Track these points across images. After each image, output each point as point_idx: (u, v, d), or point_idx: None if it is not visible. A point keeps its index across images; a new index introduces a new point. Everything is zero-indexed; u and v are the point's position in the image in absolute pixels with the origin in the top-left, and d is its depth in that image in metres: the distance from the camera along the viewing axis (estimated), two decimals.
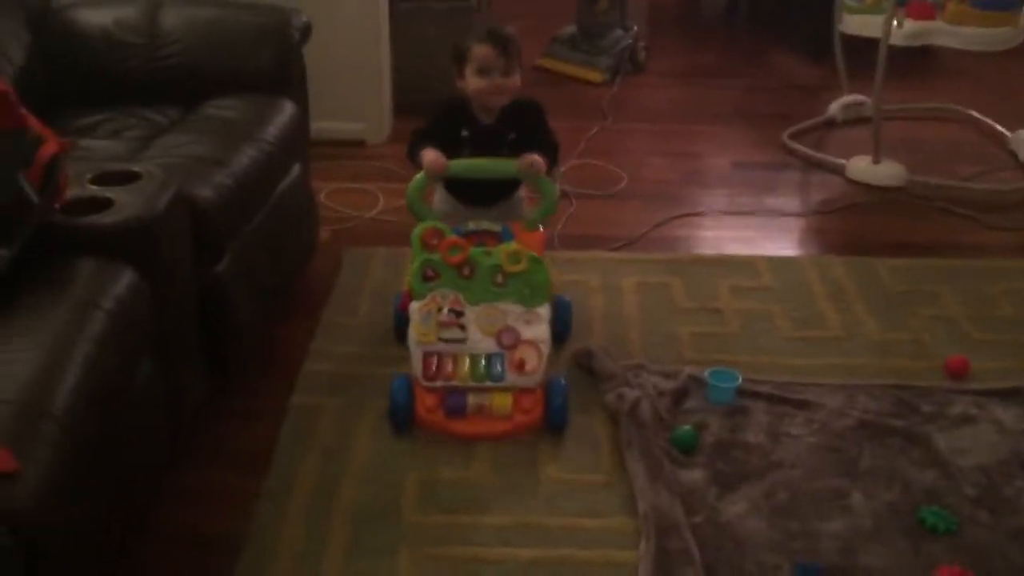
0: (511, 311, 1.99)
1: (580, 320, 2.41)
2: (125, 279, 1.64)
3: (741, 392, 2.14)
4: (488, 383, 1.95)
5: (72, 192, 1.74)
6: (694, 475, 1.90)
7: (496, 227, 2.07)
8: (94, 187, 1.80)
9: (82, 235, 1.67)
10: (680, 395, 2.13)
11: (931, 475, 1.92)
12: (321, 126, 3.45)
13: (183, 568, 1.72)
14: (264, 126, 2.33)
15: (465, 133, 2.10)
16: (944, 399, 2.14)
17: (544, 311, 2.00)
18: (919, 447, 1.99)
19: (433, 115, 2.15)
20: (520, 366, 1.95)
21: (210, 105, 2.38)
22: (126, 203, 1.74)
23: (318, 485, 1.88)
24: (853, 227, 3.05)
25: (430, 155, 2.01)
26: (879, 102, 3.23)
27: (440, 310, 1.97)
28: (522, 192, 2.27)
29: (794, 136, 3.68)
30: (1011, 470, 1.92)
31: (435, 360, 1.96)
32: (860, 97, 3.74)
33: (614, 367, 2.19)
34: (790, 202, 3.22)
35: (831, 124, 3.83)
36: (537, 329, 1.98)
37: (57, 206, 1.68)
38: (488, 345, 1.97)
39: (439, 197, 2.26)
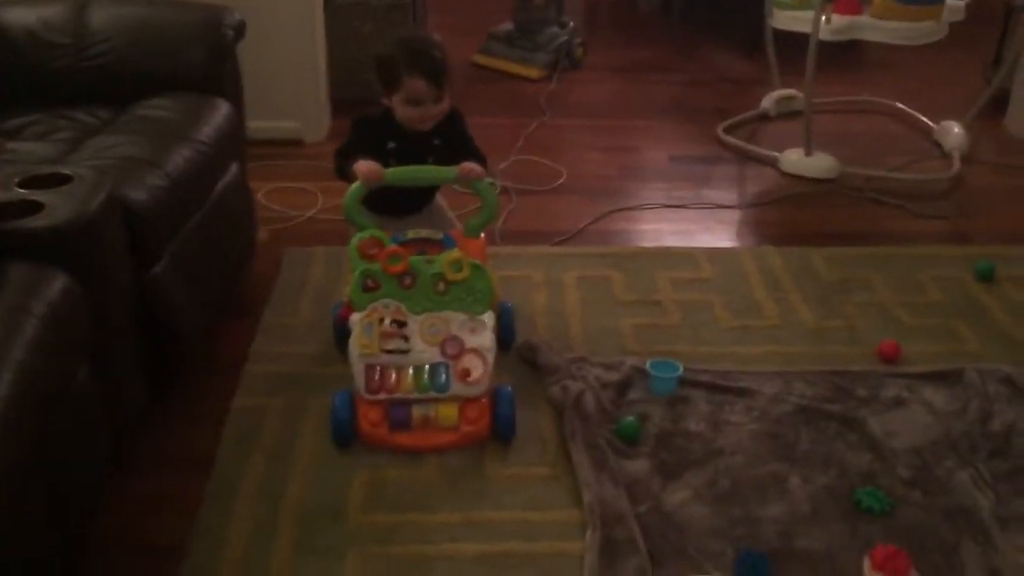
0: (455, 320, 1.96)
1: (523, 315, 2.42)
2: (58, 284, 1.60)
3: (683, 382, 2.17)
4: (433, 394, 1.91)
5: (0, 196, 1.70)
6: (638, 465, 1.93)
7: (437, 235, 2.05)
8: (22, 191, 1.76)
9: (12, 240, 1.62)
10: (623, 387, 2.16)
11: (866, 458, 1.97)
12: (258, 125, 3.42)
13: (122, 570, 1.69)
14: (199, 126, 2.30)
15: (392, 145, 2.10)
16: (877, 383, 2.20)
17: (488, 319, 1.97)
18: (854, 431, 2.04)
19: (355, 132, 2.14)
20: (465, 375, 1.92)
21: (142, 105, 2.35)
22: (57, 206, 1.70)
23: (262, 487, 1.87)
24: (788, 218, 3.11)
25: (365, 165, 2.00)
26: (810, 96, 3.30)
27: (382, 321, 1.94)
28: (441, 200, 2.29)
29: (729, 130, 3.74)
30: (942, 451, 1.98)
31: (378, 372, 1.92)
32: (792, 91, 3.82)
33: (558, 360, 2.21)
34: (726, 194, 3.27)
35: (765, 118, 3.91)
36: (481, 337, 1.95)
37: None
38: (432, 355, 1.93)
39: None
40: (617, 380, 2.17)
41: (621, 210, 3.11)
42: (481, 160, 2.09)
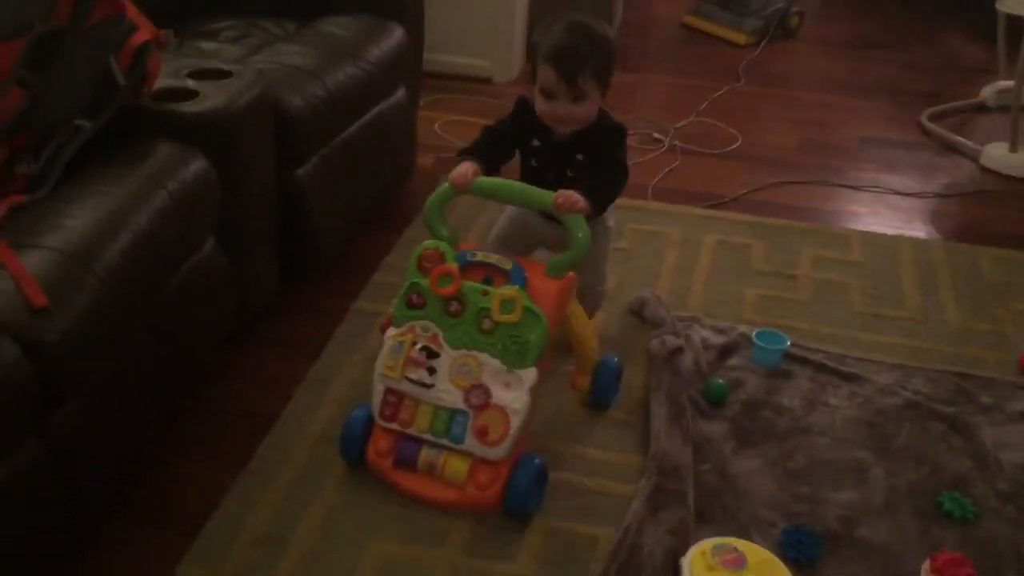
0: (490, 366, 1.66)
1: (648, 271, 2.43)
2: (194, 166, 1.79)
3: (790, 357, 2.10)
4: (446, 441, 1.67)
5: (165, 82, 1.90)
6: (715, 427, 1.91)
7: (506, 263, 1.73)
8: (191, 81, 1.96)
9: (164, 120, 1.82)
10: (726, 351, 2.12)
11: (966, 464, 1.84)
12: (449, 60, 3.59)
13: (220, 436, 1.88)
14: (368, 47, 2.44)
15: (536, 143, 1.88)
16: (1007, 393, 2.04)
17: (528, 376, 1.66)
18: (962, 435, 1.91)
19: (512, 112, 1.92)
20: (482, 433, 1.64)
21: (324, 22, 2.52)
22: (210, 96, 1.88)
23: (355, 380, 2.00)
24: (969, 214, 2.90)
25: (461, 167, 1.78)
26: (1022, 86, 3.03)
27: (414, 344, 1.70)
28: (610, 221, 2.02)
29: (935, 117, 3.50)
30: None
31: (395, 399, 1.71)
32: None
33: (665, 315, 2.20)
34: (909, 182, 3.07)
35: (981, 108, 3.63)
36: (512, 395, 1.65)
37: (146, 91, 1.83)
38: (455, 398, 1.67)
39: (506, 214, 2.06)
40: (721, 344, 2.14)
41: (788, 183, 3.01)
42: (604, 188, 1.80)
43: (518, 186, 1.78)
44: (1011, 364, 2.15)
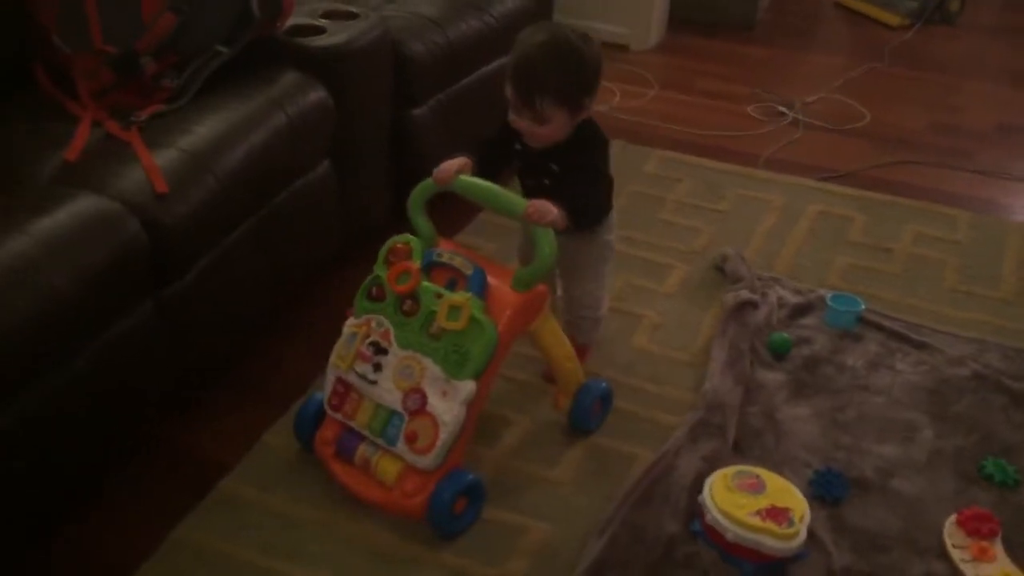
0: (431, 372, 1.59)
1: (739, 232, 2.49)
2: (314, 94, 2.01)
3: (864, 322, 2.14)
4: (381, 441, 1.62)
5: (299, 19, 2.13)
6: (772, 376, 1.98)
7: (469, 268, 1.65)
8: (322, 20, 2.18)
9: (291, 52, 2.05)
10: (800, 310, 2.18)
11: (1020, 436, 1.85)
12: (587, 24, 3.68)
13: (316, 333, 2.10)
14: (494, 2, 2.61)
15: (518, 147, 1.79)
16: None
17: (464, 388, 1.57)
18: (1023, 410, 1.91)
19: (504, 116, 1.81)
20: (412, 439, 1.58)
21: None
22: (334, 33, 2.10)
23: None
24: None
25: (450, 161, 1.71)
26: None
27: (367, 338, 1.66)
28: (609, 234, 1.88)
29: None
30: None
31: (343, 390, 1.68)
32: None
33: (745, 272, 2.28)
34: None
35: None
36: (446, 405, 1.57)
37: (279, 26, 2.07)
38: (394, 399, 1.61)
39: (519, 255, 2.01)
40: (796, 303, 2.19)
41: (909, 163, 2.98)
42: (576, 208, 1.66)
43: (492, 190, 1.67)
44: None
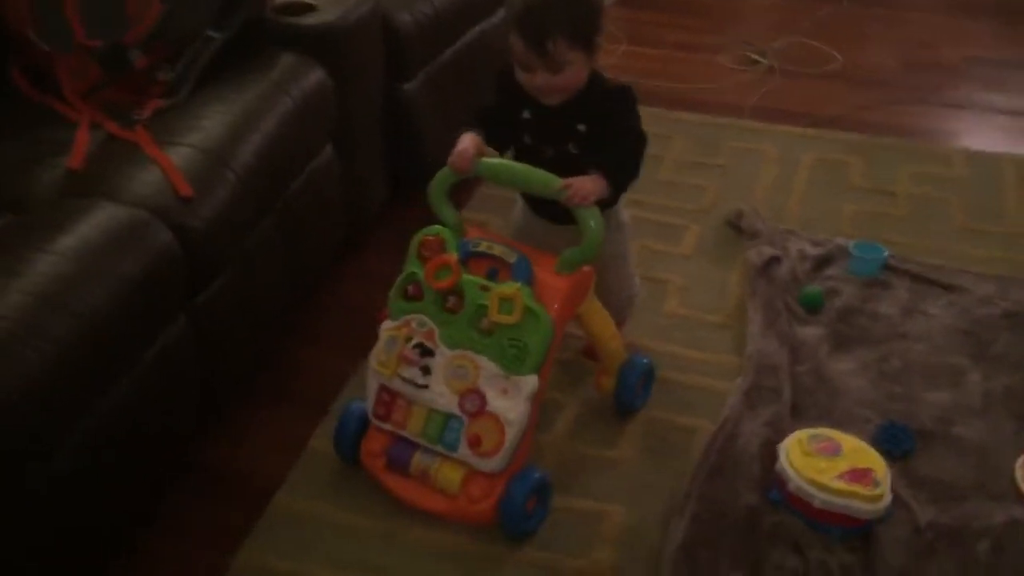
0: (487, 370, 1.49)
1: (744, 187, 2.46)
2: (314, 75, 1.89)
3: (887, 268, 2.13)
4: (440, 448, 1.52)
5: None
6: (810, 331, 1.95)
7: (512, 256, 1.52)
8: None
9: (285, 32, 1.93)
10: (822, 261, 2.16)
11: None
12: None
13: (338, 329, 2.01)
14: None
15: (526, 115, 1.59)
16: None
17: (527, 384, 1.47)
18: None
19: (496, 86, 1.62)
20: (475, 442, 1.48)
21: None
22: (326, 10, 1.98)
23: None
24: None
25: (463, 143, 1.54)
26: None
27: (409, 340, 1.53)
28: (623, 215, 1.74)
29: None
30: None
31: (389, 398, 1.56)
32: None
33: (763, 227, 2.24)
34: (1017, 101, 3.01)
35: None
36: (508, 403, 1.47)
37: (271, 6, 1.94)
38: (450, 403, 1.50)
39: (513, 217, 1.80)
40: (818, 254, 2.17)
41: (890, 103, 2.98)
42: (619, 164, 1.54)
43: (522, 168, 1.53)
44: None
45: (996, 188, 2.48)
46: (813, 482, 1.50)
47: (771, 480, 1.58)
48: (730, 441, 1.67)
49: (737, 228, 2.28)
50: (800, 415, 1.74)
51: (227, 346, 1.66)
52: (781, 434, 1.67)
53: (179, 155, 1.56)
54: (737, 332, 1.97)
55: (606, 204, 1.55)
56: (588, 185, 1.48)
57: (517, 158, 1.63)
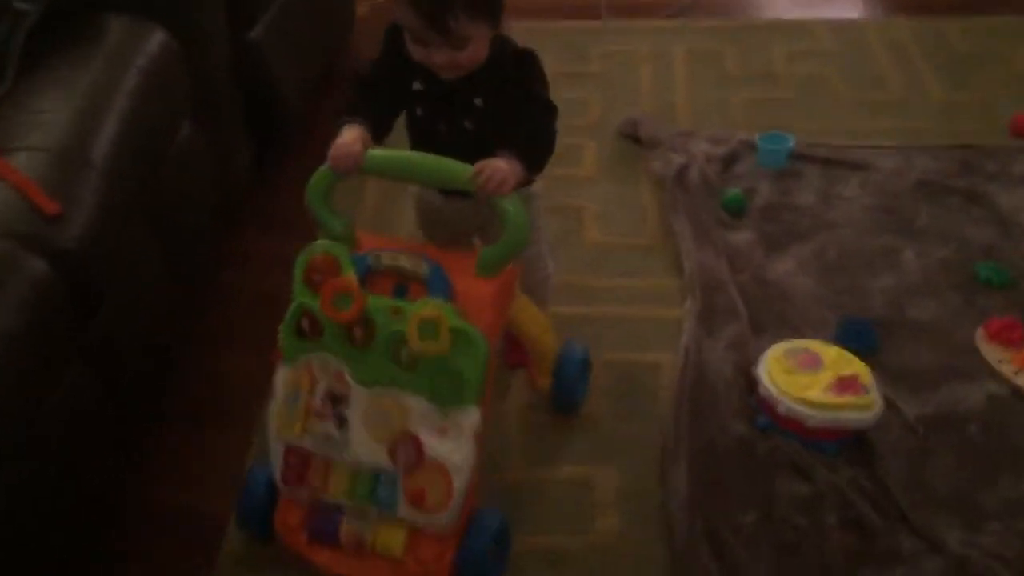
0: (417, 410, 1.24)
1: (627, 89, 2.34)
2: (156, 38, 1.60)
3: (795, 156, 2.07)
4: (373, 509, 1.26)
5: None
6: (741, 236, 1.87)
7: (422, 267, 1.26)
8: None
9: None
10: (730, 160, 2.07)
11: (990, 232, 1.86)
12: None
13: (246, 322, 1.77)
14: None
15: (418, 86, 1.34)
16: (1008, 158, 2.05)
17: (469, 419, 1.23)
18: (980, 206, 1.93)
19: (382, 50, 1.37)
20: (419, 498, 1.23)
21: None
22: None
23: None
24: None
25: (343, 138, 1.28)
26: None
27: (313, 387, 1.26)
28: (534, 186, 1.45)
29: None
30: None
31: (299, 460, 1.28)
32: None
33: (661, 133, 2.13)
34: None
35: None
36: (451, 445, 1.23)
37: None
38: (377, 455, 1.24)
39: (412, 195, 1.55)
40: (723, 153, 2.08)
41: None
42: (532, 140, 1.31)
43: (422, 160, 1.29)
44: (1002, 131, 2.16)
45: (868, 56, 2.46)
46: (804, 400, 1.43)
47: (754, 405, 1.50)
48: (699, 372, 1.58)
49: (634, 138, 2.16)
50: (758, 329, 1.67)
51: (126, 367, 1.41)
52: (746, 354, 1.59)
53: (28, 162, 1.27)
54: (667, 251, 1.86)
55: (539, 170, 1.33)
56: (503, 168, 1.22)
57: (409, 132, 1.40)
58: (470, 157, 1.24)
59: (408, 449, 1.23)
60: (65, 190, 1.26)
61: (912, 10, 2.67)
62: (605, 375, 1.61)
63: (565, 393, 1.53)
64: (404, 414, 1.23)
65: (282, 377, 1.29)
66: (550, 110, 1.34)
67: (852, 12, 2.73)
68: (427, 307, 1.20)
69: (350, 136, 1.28)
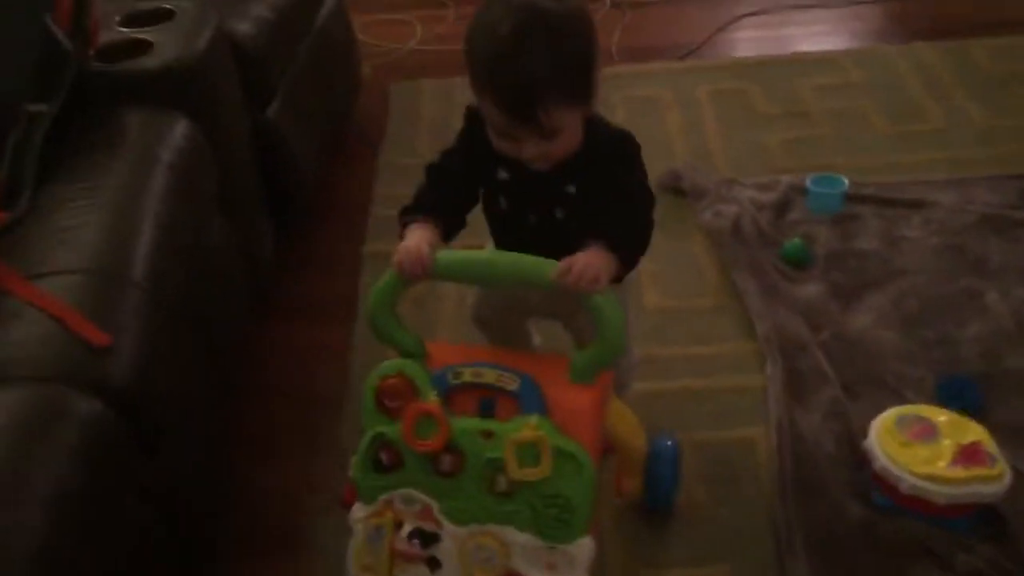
0: (520, 545, 1.11)
1: (656, 140, 2.23)
2: (180, 128, 1.47)
3: (848, 197, 1.96)
4: None
5: (105, 36, 1.54)
6: (810, 290, 1.76)
7: (512, 381, 1.12)
8: (126, 29, 1.60)
9: (124, 82, 1.48)
10: (781, 207, 1.97)
11: None
12: None
13: (287, 424, 1.63)
14: None
15: (504, 175, 1.21)
16: None
17: (582, 551, 1.10)
18: None
19: (458, 136, 1.24)
20: None
21: None
22: (165, 44, 1.54)
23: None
24: (939, 9, 2.77)
25: (409, 240, 1.14)
26: None
27: (399, 527, 1.13)
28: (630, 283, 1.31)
29: None
30: None
31: None
32: None
33: (706, 182, 2.02)
34: None
35: None
36: None
37: (92, 52, 1.48)
38: None
39: (480, 294, 1.41)
40: (774, 200, 1.97)
41: (746, 16, 2.82)
42: (629, 245, 1.17)
43: (499, 260, 1.15)
44: None
45: (899, 85, 2.38)
46: (931, 477, 1.30)
47: (867, 482, 1.38)
48: (798, 448, 1.45)
49: (677, 190, 2.04)
50: (852, 394, 1.55)
51: (191, 505, 1.26)
52: (847, 423, 1.47)
53: (62, 287, 1.13)
54: (735, 311, 1.74)
55: (634, 264, 1.19)
56: (594, 263, 1.08)
57: (490, 223, 1.27)
58: (560, 247, 1.11)
59: None
60: (109, 315, 1.12)
61: (932, 34, 2.60)
62: (695, 458, 1.47)
63: (662, 493, 1.38)
64: (506, 551, 1.10)
65: (359, 516, 1.15)
66: (648, 198, 1.22)
67: (869, 40, 2.65)
68: (523, 427, 1.08)
69: (418, 237, 1.14)
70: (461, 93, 1.58)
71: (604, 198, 1.18)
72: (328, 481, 1.48)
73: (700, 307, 1.77)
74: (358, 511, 1.15)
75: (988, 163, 2.07)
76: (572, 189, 1.19)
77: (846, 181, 1.96)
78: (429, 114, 2.42)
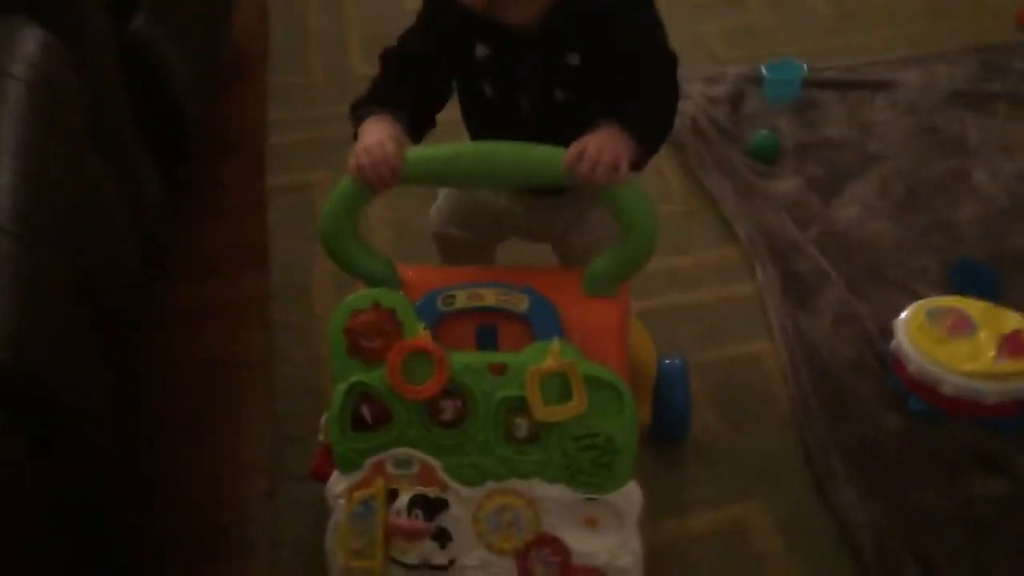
0: (550, 500, 0.90)
1: None
2: (33, 38, 1.15)
3: (805, 84, 1.79)
4: None
5: None
6: (787, 184, 1.58)
7: (520, 301, 0.91)
8: None
9: None
10: (736, 100, 1.78)
11: None
12: None
13: (208, 396, 1.35)
14: None
15: (482, 51, 0.95)
16: None
17: (629, 499, 0.90)
18: None
19: (420, 13, 0.99)
20: None
21: None
22: None
23: (336, 278, 1.48)
24: None
25: (370, 136, 0.90)
26: None
27: (394, 497, 0.91)
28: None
29: None
30: None
31: None
32: None
33: None
34: None
35: None
36: (607, 540, 0.90)
37: None
38: (504, 573, 0.92)
39: (452, 203, 1.11)
40: (727, 93, 1.79)
41: None
42: (650, 123, 0.93)
43: (493, 152, 0.91)
44: (1010, 24, 1.95)
45: None
46: (978, 375, 1.15)
47: (898, 388, 1.21)
48: (812, 359, 1.27)
49: None
50: (856, 289, 1.38)
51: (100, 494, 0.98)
52: (863, 326, 1.30)
53: None
54: (708, 214, 1.55)
55: (657, 149, 0.95)
56: (609, 146, 0.86)
57: (473, 121, 1.02)
58: (564, 142, 0.88)
59: (545, 554, 0.90)
60: None
61: None
62: (698, 383, 1.27)
63: (676, 420, 1.18)
64: (533, 511, 0.89)
65: (339, 489, 0.91)
66: (670, 63, 0.98)
67: None
68: (548, 356, 0.86)
69: (378, 134, 0.89)
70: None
71: (613, 67, 0.93)
72: (263, 460, 1.22)
73: (670, 214, 1.56)
74: (336, 483, 0.91)
75: (943, 37, 1.94)
76: (575, 60, 0.93)
77: (804, 66, 1.79)
78: (318, 26, 2.12)
